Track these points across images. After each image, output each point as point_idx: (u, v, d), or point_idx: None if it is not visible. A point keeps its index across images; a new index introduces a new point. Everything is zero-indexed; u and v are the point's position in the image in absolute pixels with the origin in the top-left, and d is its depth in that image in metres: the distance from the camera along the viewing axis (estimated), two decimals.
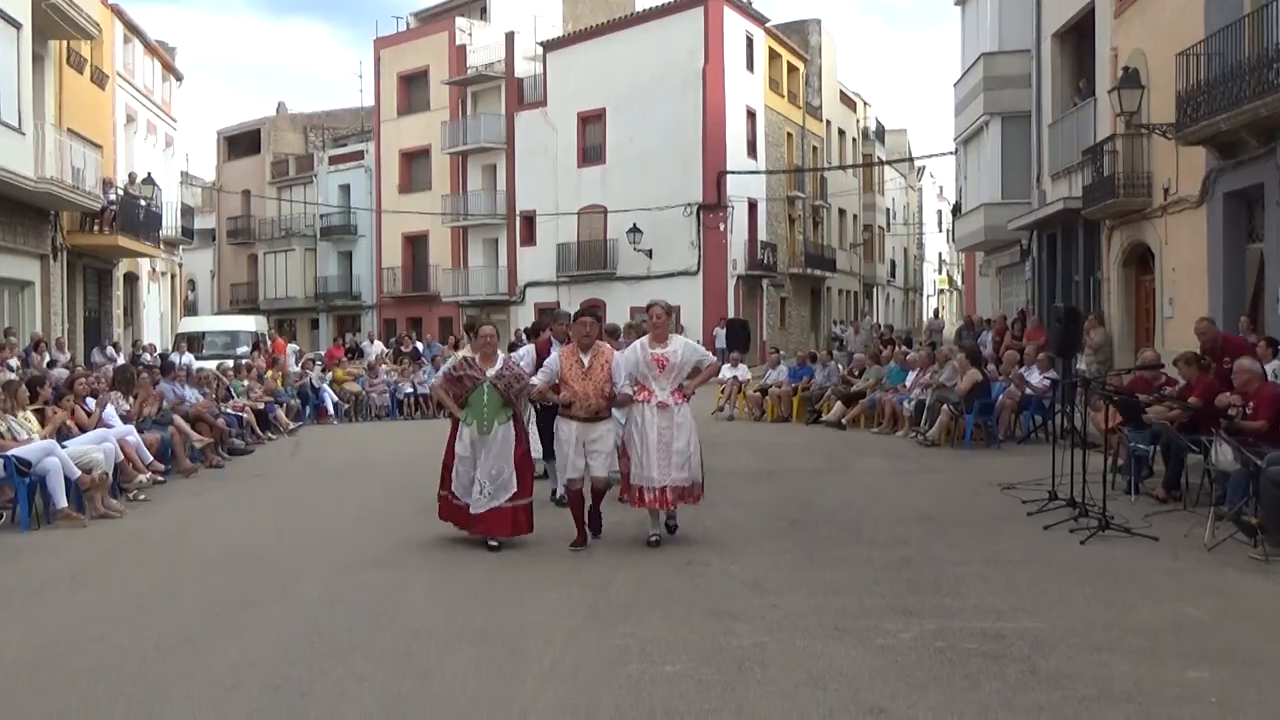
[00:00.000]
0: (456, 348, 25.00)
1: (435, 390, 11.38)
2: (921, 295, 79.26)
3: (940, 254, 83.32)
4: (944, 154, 50.17)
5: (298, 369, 26.48)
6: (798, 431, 21.16)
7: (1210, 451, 10.57)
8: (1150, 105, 18.89)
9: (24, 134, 22.60)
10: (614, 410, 10.11)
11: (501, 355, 10.52)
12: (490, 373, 10.01)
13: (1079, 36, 24.05)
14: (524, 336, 19.43)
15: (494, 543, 9.92)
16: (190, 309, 49.62)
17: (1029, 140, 26.60)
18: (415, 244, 51.93)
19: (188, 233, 41.86)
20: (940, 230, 78.74)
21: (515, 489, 9.93)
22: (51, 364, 19.94)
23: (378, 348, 31.51)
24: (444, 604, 8.16)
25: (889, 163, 64.29)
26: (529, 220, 46.44)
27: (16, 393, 12.70)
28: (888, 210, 67.21)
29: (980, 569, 8.86)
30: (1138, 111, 18.99)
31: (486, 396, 9.97)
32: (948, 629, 7.09)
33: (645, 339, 10.06)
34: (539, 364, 10.77)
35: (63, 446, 12.17)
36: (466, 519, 10.02)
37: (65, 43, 27.00)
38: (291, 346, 31.46)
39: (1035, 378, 17.92)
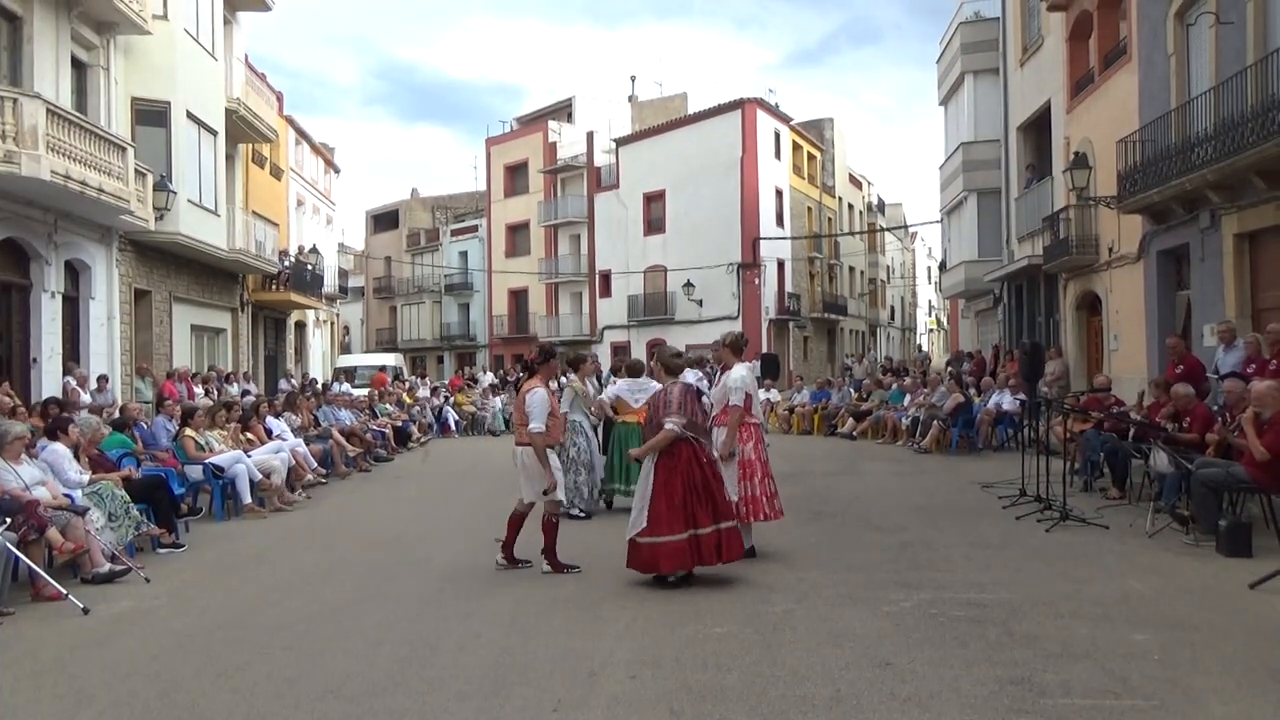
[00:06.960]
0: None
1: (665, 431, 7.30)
2: (915, 333, 75.13)
3: (930, 301, 79.53)
4: (932, 222, 46.54)
5: (427, 395, 26.00)
6: (818, 442, 20.47)
7: (1150, 457, 10.27)
8: (1096, 182, 18.40)
9: (219, 216, 22.68)
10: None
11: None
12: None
13: (1039, 129, 23.36)
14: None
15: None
16: (345, 349, 47.24)
17: (1000, 210, 25.79)
18: (518, 297, 50.53)
19: (343, 290, 41.48)
20: (929, 282, 75.15)
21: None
22: (244, 394, 19.70)
23: (489, 378, 30.74)
24: (541, 576, 7.90)
25: (889, 229, 61.36)
26: (606, 277, 45.43)
27: (215, 416, 12.69)
28: (888, 267, 63.87)
29: (965, 551, 8.50)
30: (1086, 187, 18.54)
31: None
32: (940, 599, 6.82)
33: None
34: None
35: (248, 455, 12.16)
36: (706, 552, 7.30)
37: (250, 145, 27.00)
38: (423, 387, 28.91)
39: (1006, 400, 17.37)
